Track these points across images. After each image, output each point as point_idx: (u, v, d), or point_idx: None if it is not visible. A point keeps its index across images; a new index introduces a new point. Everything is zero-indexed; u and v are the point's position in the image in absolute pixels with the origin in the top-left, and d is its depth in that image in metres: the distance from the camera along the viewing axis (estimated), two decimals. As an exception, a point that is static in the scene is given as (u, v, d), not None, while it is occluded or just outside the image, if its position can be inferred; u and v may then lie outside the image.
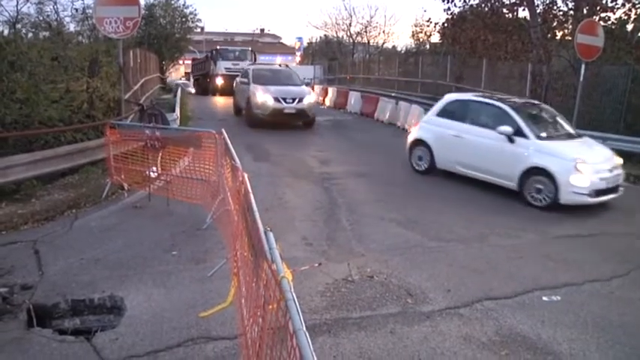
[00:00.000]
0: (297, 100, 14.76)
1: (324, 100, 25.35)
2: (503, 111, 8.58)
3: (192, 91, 36.68)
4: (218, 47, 33.93)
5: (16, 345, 3.75)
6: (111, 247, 5.66)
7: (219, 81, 30.92)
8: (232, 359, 3.63)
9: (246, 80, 16.03)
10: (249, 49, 35.42)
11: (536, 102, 10.35)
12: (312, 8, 74.27)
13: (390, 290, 4.82)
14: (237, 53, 33.78)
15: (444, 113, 9.66)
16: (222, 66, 31.56)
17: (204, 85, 34.43)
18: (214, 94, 30.68)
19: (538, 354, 3.83)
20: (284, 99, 14.61)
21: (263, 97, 14.65)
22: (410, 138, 10.30)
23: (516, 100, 9.94)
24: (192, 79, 41.84)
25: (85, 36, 21.59)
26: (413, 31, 40.92)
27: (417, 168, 10.01)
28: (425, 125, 10.06)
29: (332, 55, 46.30)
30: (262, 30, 72.03)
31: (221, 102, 25.09)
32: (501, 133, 8.19)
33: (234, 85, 19.02)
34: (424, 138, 9.79)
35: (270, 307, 2.16)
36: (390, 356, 3.74)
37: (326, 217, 7.06)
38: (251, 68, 16.92)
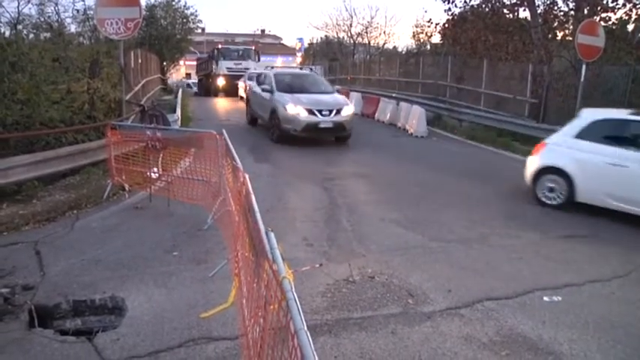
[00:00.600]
0: (334, 112, 12.48)
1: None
2: None
3: (194, 90, 36.56)
4: (220, 46, 33.08)
5: (17, 345, 3.76)
6: (112, 248, 5.67)
7: (221, 81, 30.27)
8: (233, 359, 3.63)
9: (268, 87, 13.57)
10: (253, 48, 34.30)
11: None
12: (312, 9, 74.51)
13: (391, 291, 4.83)
14: (240, 52, 32.78)
15: (587, 135, 7.76)
16: (224, 66, 30.64)
17: (206, 86, 33.91)
18: (216, 95, 30.08)
19: (539, 354, 3.83)
20: (319, 111, 12.33)
21: (294, 109, 12.36)
22: (534, 164, 8.31)
23: None
24: (197, 80, 41.61)
25: (86, 37, 21.60)
26: (413, 32, 41.00)
27: (546, 201, 8.04)
28: (558, 149, 8.06)
29: (333, 56, 46.34)
30: (263, 31, 72.08)
31: (224, 104, 25.03)
32: None
33: (247, 89, 17.56)
34: (560, 165, 7.87)
35: (272, 307, 2.17)
36: (391, 356, 3.74)
37: (327, 217, 7.07)
38: (272, 73, 14.30)
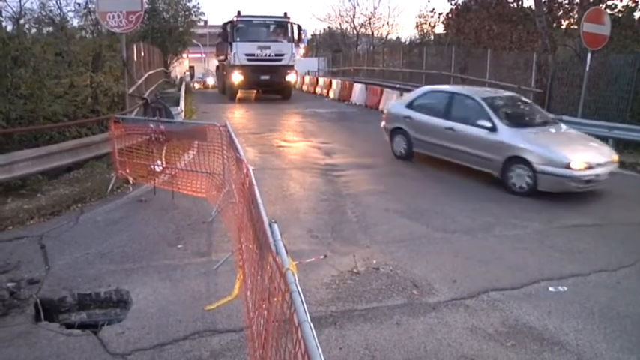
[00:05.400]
0: None
1: (328, 92, 25.30)
2: None
3: (196, 86, 35.83)
4: (235, 19, 20.26)
5: (23, 339, 3.78)
6: (116, 241, 5.69)
7: (237, 77, 19.81)
8: (238, 352, 3.64)
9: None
10: (289, 19, 21.08)
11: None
12: (315, 0, 73.97)
13: (395, 281, 4.82)
14: (271, 27, 20.81)
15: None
16: (242, 51, 19.62)
17: (222, 79, 24.43)
18: (233, 99, 20.57)
19: (544, 344, 3.81)
20: None
21: None
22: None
23: None
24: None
25: (89, 31, 21.57)
26: (417, 22, 40.80)
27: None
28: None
29: (336, 47, 46.25)
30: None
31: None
32: None
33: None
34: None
35: (275, 299, 2.16)
36: (396, 347, 3.74)
37: (331, 209, 7.05)
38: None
